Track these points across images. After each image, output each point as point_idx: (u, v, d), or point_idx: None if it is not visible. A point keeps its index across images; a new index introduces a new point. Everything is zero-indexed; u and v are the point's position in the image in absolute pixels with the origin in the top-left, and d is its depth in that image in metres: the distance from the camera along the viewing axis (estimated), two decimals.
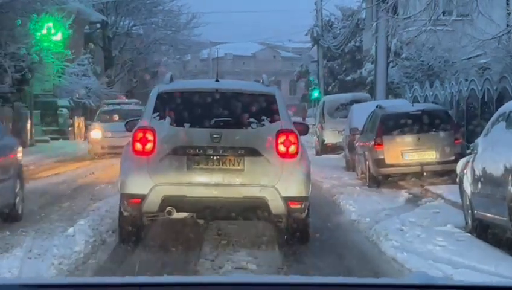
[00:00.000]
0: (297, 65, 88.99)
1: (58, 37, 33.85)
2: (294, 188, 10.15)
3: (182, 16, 56.96)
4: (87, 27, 52.89)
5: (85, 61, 49.31)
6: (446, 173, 18.03)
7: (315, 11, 55.54)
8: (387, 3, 28.00)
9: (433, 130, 18.07)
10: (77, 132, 43.84)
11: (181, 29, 57.42)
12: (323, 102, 32.08)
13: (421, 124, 18.07)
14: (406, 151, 17.98)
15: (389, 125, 18.27)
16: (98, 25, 54.55)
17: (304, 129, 11.06)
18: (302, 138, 10.61)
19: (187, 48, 64.97)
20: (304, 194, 10.23)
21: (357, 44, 69.70)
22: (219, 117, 10.32)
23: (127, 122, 11.20)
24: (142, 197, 10.00)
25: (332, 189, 17.47)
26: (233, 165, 10.11)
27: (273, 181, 10.06)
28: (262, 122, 10.34)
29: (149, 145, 10.12)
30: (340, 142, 29.69)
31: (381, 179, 18.42)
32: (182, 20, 57.44)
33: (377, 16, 28.19)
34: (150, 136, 10.14)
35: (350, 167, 23.93)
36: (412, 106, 19.30)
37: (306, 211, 10.31)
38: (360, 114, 23.68)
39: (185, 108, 10.44)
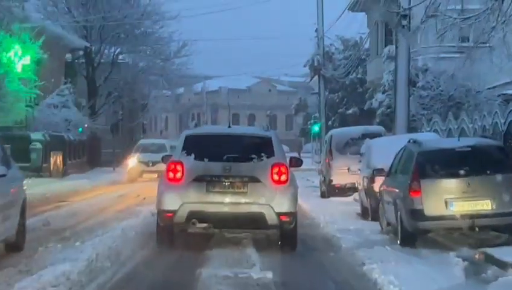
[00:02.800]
0: (294, 99, 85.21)
1: (27, 60, 29.52)
2: (284, 205, 13.46)
3: (172, 43, 52.73)
4: (68, 55, 48.73)
5: (65, 91, 45.16)
6: (505, 229, 13.76)
7: (314, 40, 51.44)
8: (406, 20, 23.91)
9: (487, 172, 13.75)
10: (54, 169, 39.36)
11: (171, 57, 53.15)
12: (331, 136, 27.71)
13: (471, 164, 13.76)
14: (451, 200, 13.65)
15: (428, 165, 13.94)
16: (81, 52, 50.36)
17: (297, 163, 14.48)
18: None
19: (178, 79, 60.79)
20: (292, 210, 13.58)
21: (359, 76, 65.86)
22: (230, 154, 13.63)
23: (163, 157, 14.53)
24: (174, 212, 13.35)
25: (357, 251, 13.08)
26: (240, 189, 13.44)
27: (269, 201, 13.36)
28: (261, 158, 13.70)
29: (179, 174, 13.52)
30: (352, 183, 25.40)
31: (417, 235, 14.10)
32: (172, 48, 53.20)
33: (396, 37, 23.99)
34: (179, 167, 13.54)
35: (367, 214, 19.68)
36: (458, 140, 14.95)
37: (294, 223, 13.64)
38: (381, 150, 19.43)
39: (205, 147, 13.87)
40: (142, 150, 39.92)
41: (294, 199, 13.72)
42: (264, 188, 13.38)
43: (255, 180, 13.40)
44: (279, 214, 13.32)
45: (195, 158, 13.60)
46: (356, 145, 26.60)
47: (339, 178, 26.47)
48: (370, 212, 19.26)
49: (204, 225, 13.48)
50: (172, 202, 13.39)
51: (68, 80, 45.79)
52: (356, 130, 28.48)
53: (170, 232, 13.81)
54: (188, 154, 13.67)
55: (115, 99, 53.03)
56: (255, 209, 13.32)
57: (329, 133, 28.33)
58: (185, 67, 54.68)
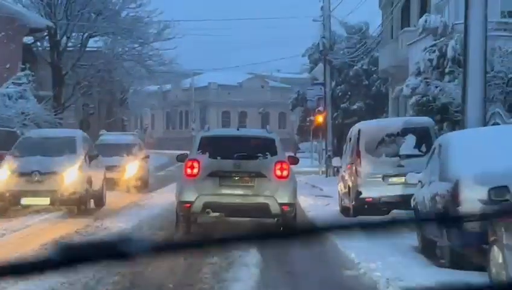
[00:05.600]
0: (287, 96, 78.57)
1: None
2: (286, 197, 16.07)
3: (152, 24, 45.09)
4: (28, 37, 41.21)
5: (23, 80, 37.79)
6: None
7: (315, 24, 44.10)
8: None
9: None
10: None
11: (150, 41, 45.49)
12: (358, 131, 19.97)
13: None
14: None
15: None
16: (44, 34, 42.80)
17: (294, 161, 17.66)
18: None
19: (165, 74, 53.16)
20: (292, 201, 16.35)
21: (364, 67, 58.87)
22: (239, 152, 16.17)
23: (178, 156, 17.33)
24: (191, 203, 15.82)
25: None
26: (248, 183, 16.01)
27: (273, 193, 15.90)
28: (266, 156, 16.32)
29: (195, 170, 16.00)
30: (392, 197, 18.11)
31: None
32: (151, 31, 45.57)
33: None
34: (195, 165, 16.04)
35: (431, 250, 12.36)
36: None
37: (294, 212, 16.36)
38: (471, 152, 11.92)
39: (217, 147, 16.41)
40: (24, 152, 20.56)
41: (294, 192, 16.58)
42: (268, 182, 15.95)
43: (260, 175, 15.95)
44: (281, 205, 15.84)
45: (209, 156, 16.10)
46: (395, 143, 19.19)
47: (371, 190, 18.80)
48: (448, 254, 11.75)
49: (217, 214, 15.78)
50: (190, 194, 15.83)
51: (27, 66, 38.41)
52: (394, 123, 20.85)
53: (188, 220, 16.17)
54: (203, 153, 16.20)
55: (84, 90, 45.44)
56: (260, 200, 15.84)
57: (356, 127, 20.58)
58: (165, 52, 47.02)
